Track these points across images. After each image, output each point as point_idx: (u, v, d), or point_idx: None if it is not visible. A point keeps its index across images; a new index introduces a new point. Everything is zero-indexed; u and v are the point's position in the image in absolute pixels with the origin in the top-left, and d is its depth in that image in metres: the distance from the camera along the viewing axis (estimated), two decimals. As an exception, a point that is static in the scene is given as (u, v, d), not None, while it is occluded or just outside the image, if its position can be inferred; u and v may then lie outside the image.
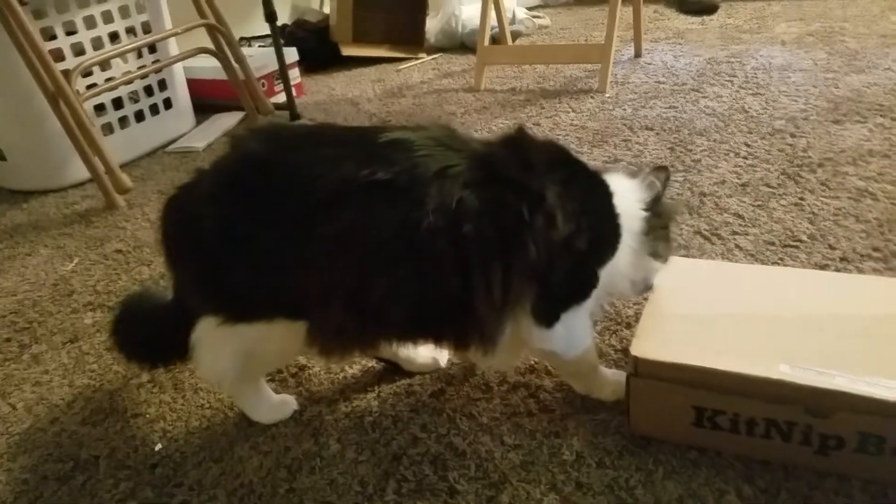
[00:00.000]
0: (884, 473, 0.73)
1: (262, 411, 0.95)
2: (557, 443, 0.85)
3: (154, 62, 2.03)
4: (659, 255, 0.89)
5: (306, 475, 0.85)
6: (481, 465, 0.84)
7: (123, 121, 1.98)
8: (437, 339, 0.87)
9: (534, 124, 1.92)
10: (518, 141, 0.84)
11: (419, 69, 2.70)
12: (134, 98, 2.02)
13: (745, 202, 1.36)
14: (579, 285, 0.83)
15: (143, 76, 2.00)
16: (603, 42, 2.16)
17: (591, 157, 1.65)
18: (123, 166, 1.83)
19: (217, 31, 2.08)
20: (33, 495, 0.87)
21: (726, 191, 1.42)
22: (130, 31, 1.96)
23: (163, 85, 2.10)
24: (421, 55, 2.85)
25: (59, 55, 1.73)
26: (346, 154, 0.78)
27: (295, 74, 2.47)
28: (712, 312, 0.86)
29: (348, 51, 2.79)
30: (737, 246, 1.22)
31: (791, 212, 1.31)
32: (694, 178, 1.49)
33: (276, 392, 0.98)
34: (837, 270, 1.12)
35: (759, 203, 1.35)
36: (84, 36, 1.82)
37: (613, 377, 0.91)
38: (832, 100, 1.82)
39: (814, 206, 1.32)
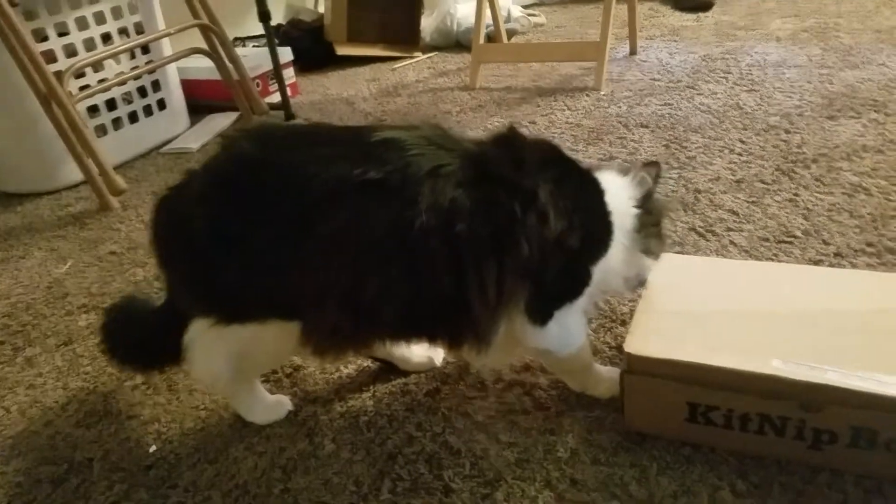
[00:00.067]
0: (876, 468, 0.73)
1: (257, 412, 0.94)
2: (552, 440, 0.85)
3: (147, 63, 2.03)
4: (651, 251, 0.89)
5: (301, 475, 0.85)
6: (476, 464, 0.84)
7: (117, 122, 1.98)
8: (431, 338, 0.87)
9: (529, 122, 1.92)
10: (510, 140, 0.84)
11: (414, 68, 2.70)
12: (127, 99, 2.01)
13: (739, 198, 1.36)
14: (572, 283, 0.83)
15: (137, 77, 1.99)
16: (598, 40, 2.16)
17: (586, 155, 1.65)
18: (117, 168, 1.83)
19: (210, 31, 2.07)
20: (27, 498, 0.87)
21: (721, 187, 1.42)
22: (123, 31, 1.95)
23: (156, 86, 2.10)
24: (416, 54, 2.85)
25: (50, 57, 1.72)
26: (337, 153, 0.78)
27: (290, 74, 2.46)
28: (706, 309, 0.86)
29: (343, 50, 2.79)
30: (731, 242, 1.22)
31: (785, 208, 1.31)
32: (689, 174, 1.49)
33: (271, 392, 0.98)
34: (831, 266, 1.12)
35: (754, 199, 1.35)
36: (76, 37, 1.81)
37: (608, 374, 0.91)
38: (826, 96, 1.82)
39: (808, 201, 1.32)
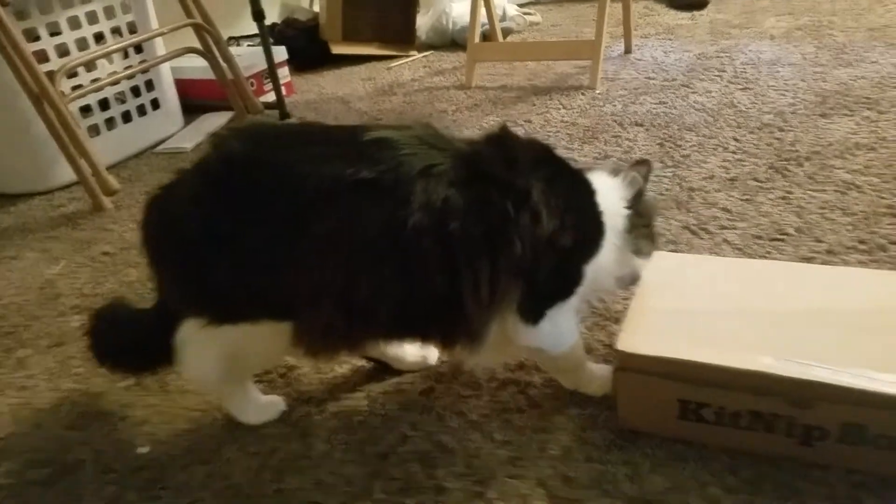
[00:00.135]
0: (866, 463, 0.73)
1: (250, 412, 0.94)
2: (546, 438, 0.85)
3: (140, 62, 2.02)
4: (642, 252, 0.89)
5: (294, 476, 0.85)
6: (469, 462, 0.83)
7: (110, 122, 1.97)
8: (424, 338, 0.87)
9: (525, 121, 1.92)
10: (502, 139, 0.84)
11: (410, 67, 2.69)
12: (121, 99, 2.00)
13: (733, 196, 1.37)
14: (564, 282, 0.83)
15: (130, 77, 1.99)
16: (593, 38, 2.16)
17: (581, 154, 1.65)
18: (111, 168, 1.83)
19: (204, 30, 2.07)
20: (17, 500, 0.86)
21: (715, 185, 1.42)
22: (116, 31, 1.94)
23: (150, 85, 2.09)
24: (411, 53, 2.85)
25: (42, 56, 1.71)
26: (330, 153, 0.78)
27: (284, 73, 2.46)
28: (699, 306, 0.86)
29: (338, 49, 2.79)
30: (724, 240, 1.22)
31: (778, 205, 1.31)
32: (683, 173, 1.49)
33: (264, 393, 0.97)
34: (824, 263, 1.12)
35: (747, 197, 1.36)
36: (68, 37, 1.80)
37: (601, 372, 0.91)
38: (820, 93, 1.82)
39: (801, 199, 1.32)
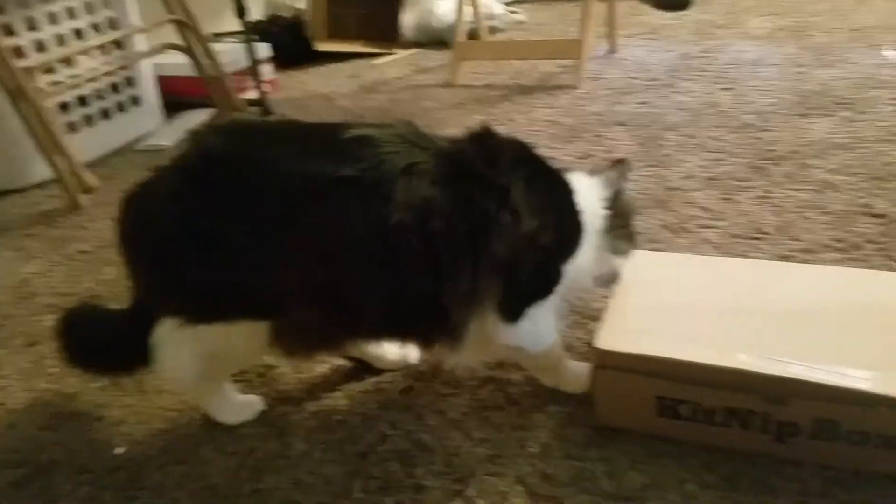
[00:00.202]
0: (839, 459, 0.74)
1: (227, 412, 0.93)
2: (525, 436, 0.86)
3: (121, 59, 1.99)
4: (620, 251, 0.90)
5: (272, 475, 0.84)
6: (449, 461, 0.83)
7: (89, 119, 1.94)
8: (404, 337, 0.87)
9: (509, 120, 1.93)
10: (483, 138, 0.84)
11: (395, 65, 2.69)
12: (100, 95, 1.98)
13: (712, 196, 1.38)
14: (544, 281, 0.83)
15: (109, 73, 1.96)
16: (578, 38, 2.17)
17: (564, 153, 1.65)
18: (90, 165, 1.80)
19: (186, 26, 2.05)
20: (-10, 502, 0.85)
21: (695, 185, 1.43)
22: (95, 27, 1.92)
23: (130, 82, 2.06)
24: (396, 50, 2.84)
25: (20, 52, 1.69)
26: (310, 150, 0.78)
27: (268, 70, 2.44)
28: (677, 304, 0.87)
29: (323, 46, 2.77)
30: (704, 239, 1.23)
31: (757, 204, 1.32)
32: (663, 172, 1.50)
33: (242, 392, 0.97)
34: (801, 262, 1.13)
35: (726, 196, 1.37)
36: (47, 32, 1.78)
37: (580, 370, 0.91)
38: (800, 94, 1.84)
39: (779, 198, 1.34)
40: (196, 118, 2.21)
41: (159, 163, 0.82)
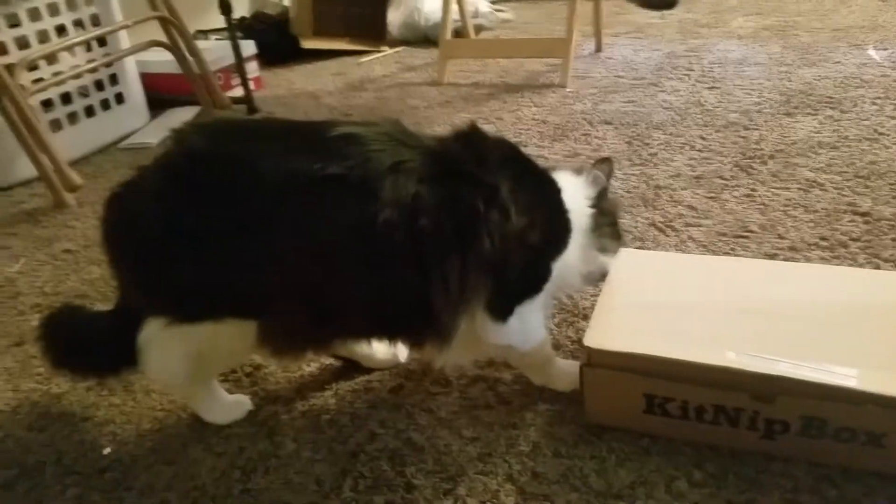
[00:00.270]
0: (826, 456, 0.74)
1: (216, 412, 0.93)
2: (515, 434, 0.86)
3: (104, 56, 1.97)
4: (607, 249, 0.91)
5: (261, 475, 0.84)
6: (439, 459, 0.83)
7: (72, 116, 1.92)
8: (392, 336, 0.87)
9: (496, 119, 1.93)
10: (470, 137, 0.84)
11: (381, 62, 2.68)
12: (83, 93, 1.95)
13: (698, 194, 1.39)
14: (532, 279, 0.84)
15: (93, 70, 1.94)
16: (564, 37, 2.17)
17: (551, 152, 1.66)
18: (74, 163, 1.78)
19: (170, 23, 2.03)
20: (-25, 504, 0.84)
21: (681, 183, 1.44)
22: (78, 23, 1.89)
23: (114, 79, 2.04)
24: (383, 48, 2.83)
25: (1, 49, 1.66)
26: (295, 148, 0.77)
27: (253, 68, 2.42)
28: (664, 302, 0.87)
29: (309, 44, 2.76)
30: (690, 237, 1.24)
31: (743, 203, 1.34)
32: (650, 171, 1.51)
33: (230, 392, 0.96)
34: (787, 260, 1.14)
35: (713, 195, 1.38)
36: (29, 29, 1.75)
37: (569, 368, 0.91)
38: (785, 93, 1.86)
39: (765, 197, 1.35)
40: (181, 116, 2.19)
41: (144, 161, 0.81)
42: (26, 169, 1.72)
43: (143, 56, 2.09)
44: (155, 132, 2.09)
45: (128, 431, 0.93)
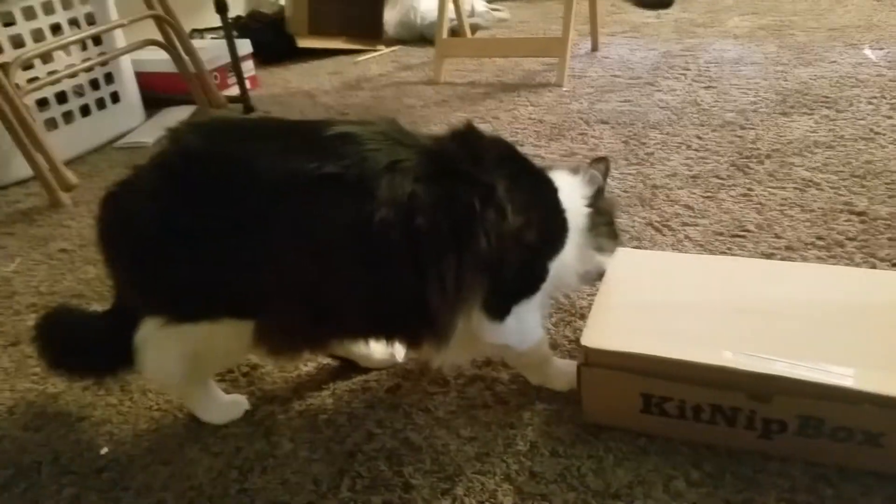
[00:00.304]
0: (823, 455, 0.75)
1: (213, 412, 0.92)
2: (512, 433, 0.86)
3: (99, 55, 1.96)
4: (604, 248, 0.91)
5: (258, 475, 0.84)
6: (437, 459, 0.83)
7: (68, 115, 1.92)
8: (389, 336, 0.87)
9: (493, 118, 1.93)
10: (466, 136, 0.84)
11: (377, 61, 2.68)
12: (79, 92, 1.95)
13: (695, 194, 1.39)
14: (529, 279, 0.84)
15: (88, 69, 1.93)
16: (560, 36, 2.17)
17: (548, 151, 1.66)
18: (69, 163, 1.77)
19: (165, 22, 2.02)
20: (-29, 505, 0.84)
21: (678, 183, 1.44)
22: (73, 22, 1.88)
23: (109, 78, 2.04)
24: (379, 47, 2.83)
25: (-4, 47, 1.66)
26: (292, 147, 0.77)
27: (249, 67, 2.42)
28: (661, 302, 0.88)
29: (305, 43, 2.75)
30: (687, 237, 1.24)
31: (739, 202, 1.34)
32: (647, 170, 1.51)
33: (227, 392, 0.96)
34: (783, 259, 1.15)
35: (709, 194, 1.38)
36: (23, 27, 1.74)
37: (567, 367, 0.92)
38: (781, 92, 1.87)
39: (761, 196, 1.35)
40: (177, 115, 2.19)
41: (139, 160, 0.81)
42: (21, 168, 1.71)
43: (138, 55, 2.09)
44: (150, 131, 2.08)
45: (124, 431, 0.93)
